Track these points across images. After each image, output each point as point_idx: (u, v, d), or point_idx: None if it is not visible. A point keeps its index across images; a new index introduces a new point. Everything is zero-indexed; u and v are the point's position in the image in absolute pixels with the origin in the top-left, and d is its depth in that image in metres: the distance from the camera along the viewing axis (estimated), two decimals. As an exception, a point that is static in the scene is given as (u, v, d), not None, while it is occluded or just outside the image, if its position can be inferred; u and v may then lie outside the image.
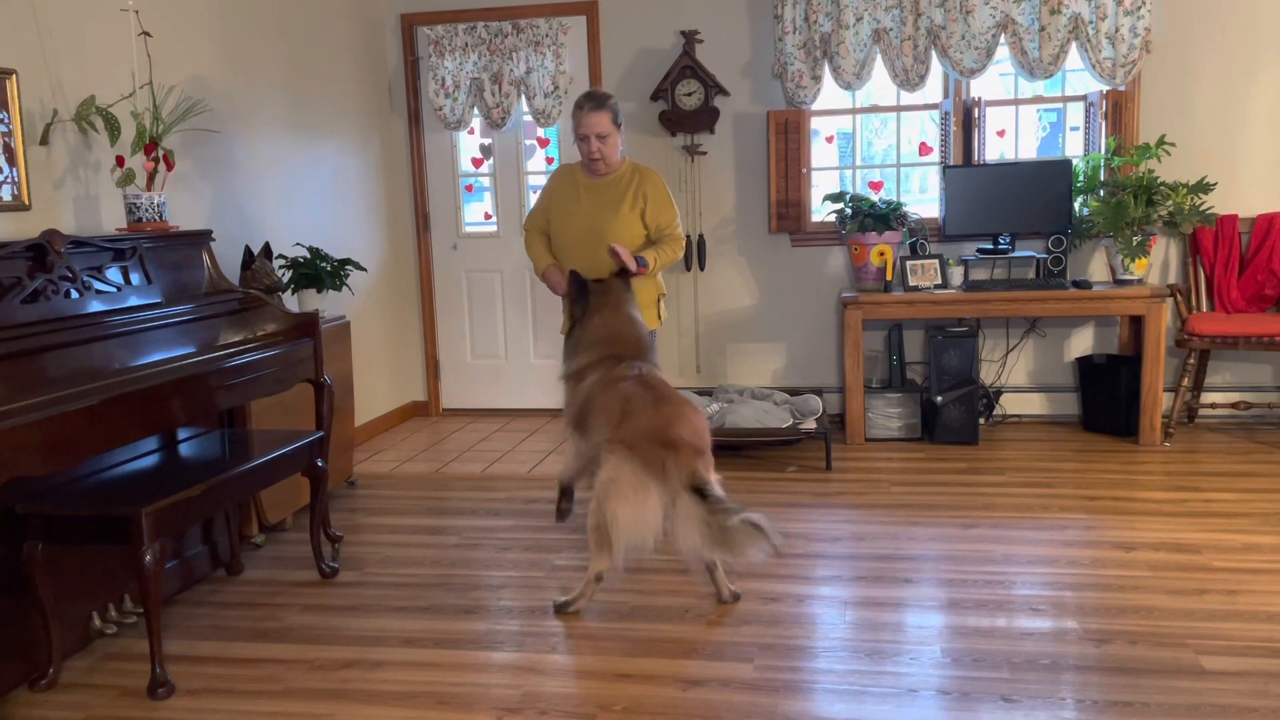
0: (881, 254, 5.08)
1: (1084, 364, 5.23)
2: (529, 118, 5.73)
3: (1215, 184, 5.00)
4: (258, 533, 3.95)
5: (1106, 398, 5.10)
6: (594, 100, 3.76)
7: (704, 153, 5.58)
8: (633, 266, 3.66)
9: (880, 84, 5.42)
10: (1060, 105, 5.52)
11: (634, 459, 3.00)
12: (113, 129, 3.47)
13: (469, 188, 6.05)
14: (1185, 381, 4.87)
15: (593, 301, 3.52)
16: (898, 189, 5.61)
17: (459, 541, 3.92)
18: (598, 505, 3.04)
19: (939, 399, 4.99)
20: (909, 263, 5.11)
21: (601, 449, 3.14)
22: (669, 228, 3.84)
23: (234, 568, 3.65)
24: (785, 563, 3.54)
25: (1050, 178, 5.03)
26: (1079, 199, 5.14)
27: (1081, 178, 5.13)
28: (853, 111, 5.52)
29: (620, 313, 3.50)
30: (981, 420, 5.37)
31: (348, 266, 4.52)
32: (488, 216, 6.05)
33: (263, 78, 4.66)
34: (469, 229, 6.06)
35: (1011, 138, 5.46)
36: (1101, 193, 5.03)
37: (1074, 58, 5.07)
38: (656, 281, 3.92)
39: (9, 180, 3.21)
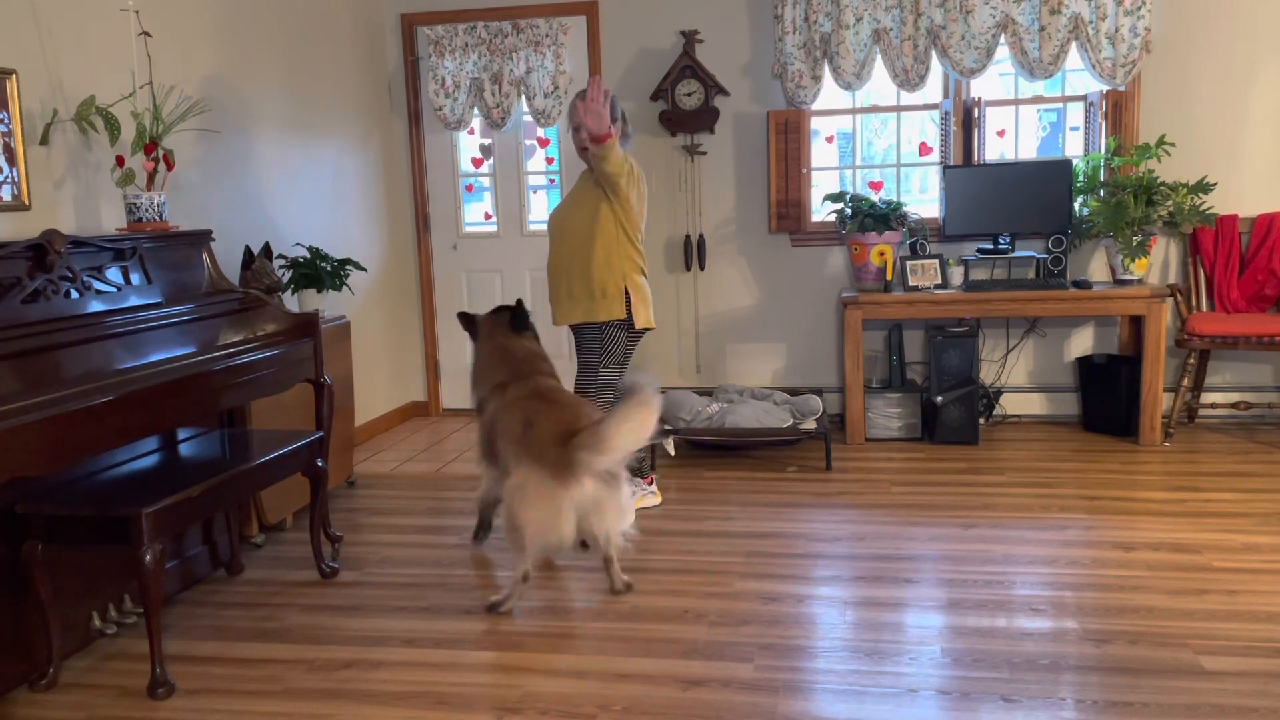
0: (881, 254, 5.08)
1: (1084, 364, 5.23)
2: (529, 118, 5.73)
3: (1215, 184, 5.00)
4: (258, 533, 3.95)
5: (1106, 398, 5.10)
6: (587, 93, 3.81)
7: (704, 153, 5.59)
8: (601, 124, 3.60)
9: (880, 84, 5.42)
10: (1060, 105, 5.52)
11: (540, 465, 3.11)
12: (113, 129, 3.47)
13: (469, 188, 6.05)
14: (1185, 381, 4.87)
15: (478, 332, 3.73)
16: (898, 189, 5.61)
17: (459, 541, 3.92)
18: (509, 512, 3.19)
19: (939, 399, 4.99)
20: (909, 263, 5.11)
21: (509, 459, 3.27)
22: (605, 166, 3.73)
23: (234, 568, 3.65)
24: (785, 563, 3.54)
25: (1050, 178, 5.03)
26: (1079, 199, 5.14)
27: (1081, 178, 5.13)
28: (853, 111, 5.52)
29: (491, 343, 3.65)
30: (981, 420, 5.38)
31: (348, 266, 4.52)
32: (488, 216, 6.05)
33: (263, 78, 4.66)
34: (469, 229, 6.07)
35: (1011, 138, 5.46)
36: (1101, 193, 5.03)
37: (1074, 58, 5.07)
38: (622, 273, 3.83)
39: (9, 180, 3.21)
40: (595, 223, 3.82)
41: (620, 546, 3.33)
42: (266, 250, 4.10)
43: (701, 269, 5.68)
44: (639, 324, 3.91)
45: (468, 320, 3.79)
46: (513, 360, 3.56)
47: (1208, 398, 5.27)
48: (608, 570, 3.35)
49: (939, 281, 5.09)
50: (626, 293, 3.87)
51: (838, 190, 5.31)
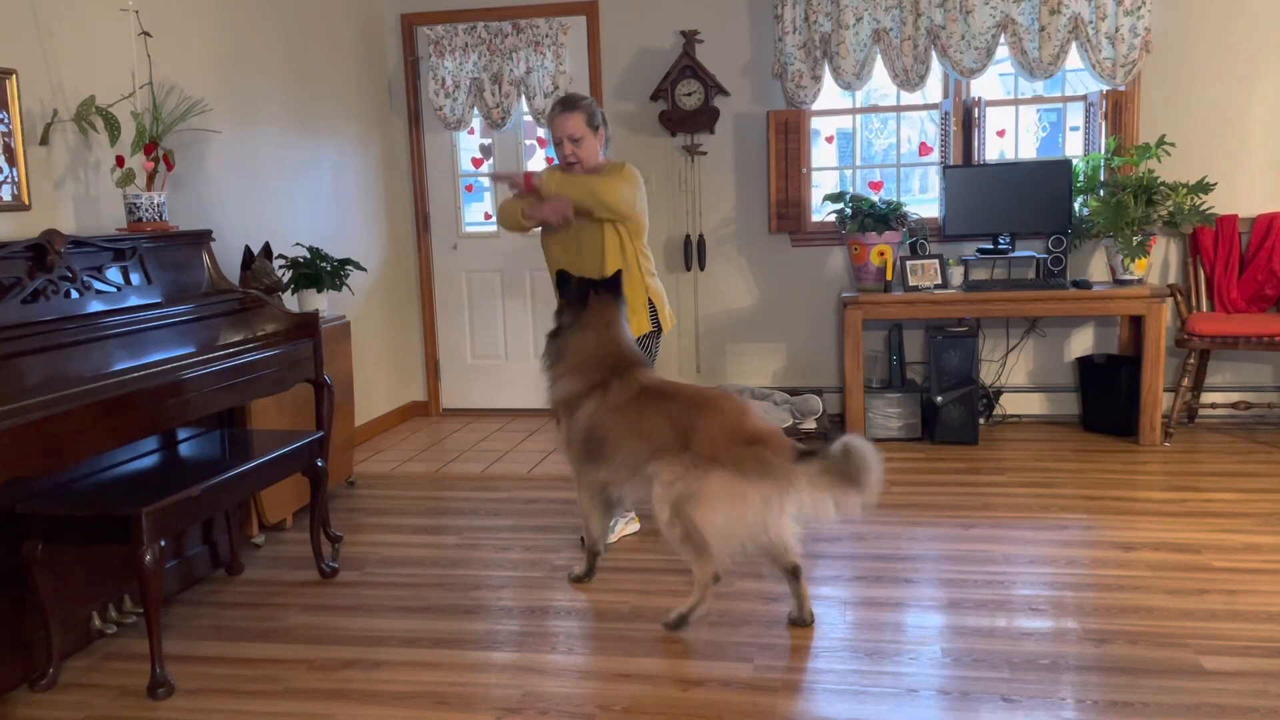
0: (881, 254, 5.08)
1: (1084, 364, 5.23)
2: (529, 118, 5.73)
3: (1215, 184, 5.00)
4: (258, 533, 3.96)
5: (1106, 398, 5.10)
6: (565, 103, 3.62)
7: (704, 153, 5.59)
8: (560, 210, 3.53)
9: (880, 84, 5.43)
10: (1060, 105, 5.53)
11: (726, 469, 2.84)
12: (113, 129, 3.46)
13: (469, 188, 6.05)
14: (1185, 381, 4.87)
15: (587, 316, 3.31)
16: (898, 189, 5.61)
17: (459, 541, 3.92)
18: (675, 518, 2.90)
19: (939, 399, 4.99)
20: (909, 263, 5.11)
21: (667, 465, 2.95)
22: (604, 189, 3.55)
23: (234, 568, 3.65)
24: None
25: (1050, 178, 5.03)
26: (1079, 199, 5.14)
27: (1081, 178, 5.13)
28: (853, 111, 5.52)
29: (609, 332, 3.28)
30: (981, 420, 5.37)
31: (348, 266, 4.52)
32: (488, 216, 6.05)
33: (263, 78, 4.66)
34: (469, 229, 6.07)
35: (1011, 138, 5.46)
36: (1101, 193, 5.03)
37: (1074, 58, 5.07)
38: (645, 285, 3.74)
39: (9, 180, 3.21)
40: (603, 245, 3.64)
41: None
42: (266, 250, 4.09)
43: (701, 269, 5.68)
44: (666, 327, 3.83)
45: (580, 290, 3.34)
46: (615, 357, 3.23)
47: (1208, 398, 5.26)
48: (797, 592, 3.06)
49: (939, 281, 5.09)
50: (650, 303, 3.77)
51: (838, 190, 5.31)
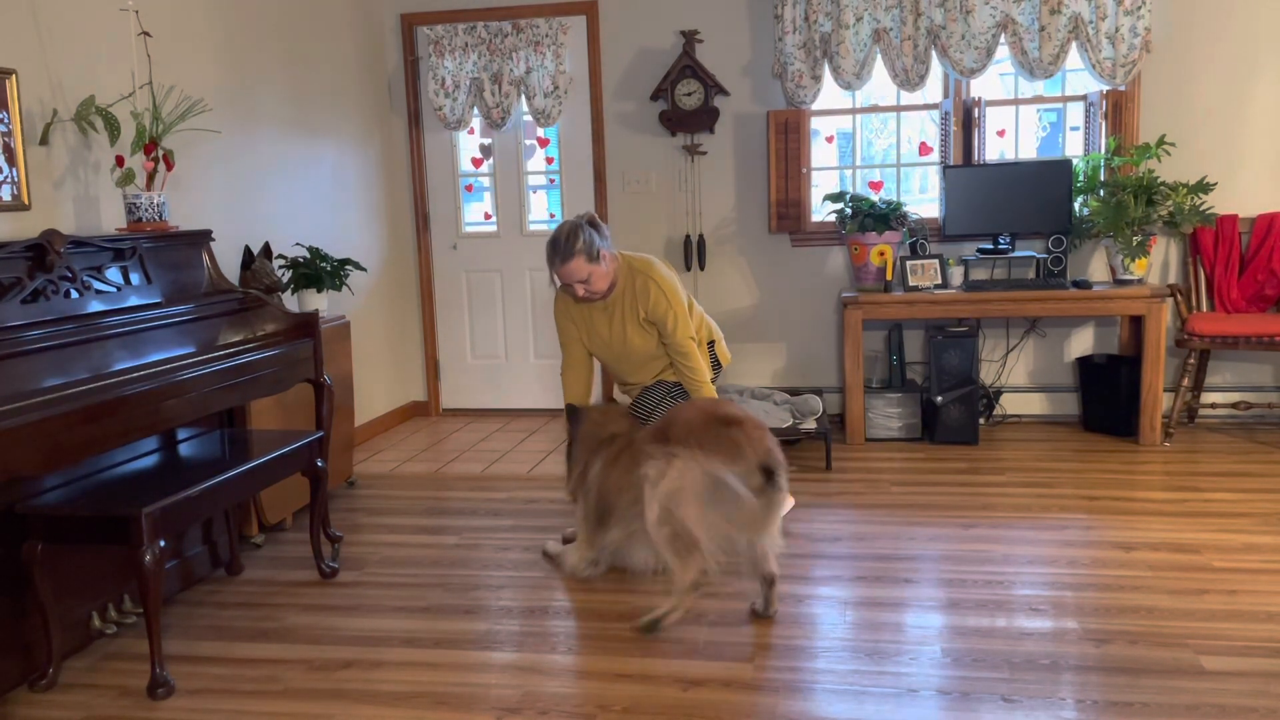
0: (881, 254, 5.08)
1: (1084, 364, 5.23)
2: (529, 118, 5.73)
3: (1215, 184, 5.00)
4: (258, 533, 3.96)
5: (1106, 398, 5.10)
6: (559, 252, 3.46)
7: (704, 153, 5.59)
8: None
9: (880, 84, 5.42)
10: (1060, 105, 5.52)
11: (698, 454, 2.86)
12: (113, 129, 3.47)
13: (469, 188, 6.05)
14: (1185, 381, 4.87)
15: (587, 410, 3.58)
16: (898, 189, 5.61)
17: (459, 541, 3.92)
18: (664, 516, 2.89)
19: (939, 399, 4.99)
20: (909, 263, 5.11)
21: (653, 461, 2.97)
22: (672, 333, 3.64)
23: (234, 568, 3.65)
24: (785, 563, 3.54)
25: (1050, 178, 5.03)
26: (1079, 199, 5.14)
27: (1081, 178, 5.13)
28: (853, 111, 5.52)
29: (609, 410, 3.57)
30: (981, 420, 5.37)
31: (348, 266, 4.52)
32: (488, 216, 6.05)
33: (263, 78, 4.66)
34: (469, 229, 6.07)
35: (1011, 138, 5.46)
36: (1101, 193, 5.03)
37: (1074, 58, 5.07)
38: (705, 324, 3.84)
39: (9, 180, 3.21)
40: (654, 352, 3.74)
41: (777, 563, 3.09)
42: (266, 250, 4.10)
43: (701, 269, 5.68)
44: (725, 361, 3.92)
45: (570, 411, 3.62)
46: (615, 420, 3.48)
47: (1208, 398, 5.26)
48: (768, 591, 3.08)
49: (939, 281, 5.09)
50: (714, 355, 3.86)
51: (838, 190, 5.31)
